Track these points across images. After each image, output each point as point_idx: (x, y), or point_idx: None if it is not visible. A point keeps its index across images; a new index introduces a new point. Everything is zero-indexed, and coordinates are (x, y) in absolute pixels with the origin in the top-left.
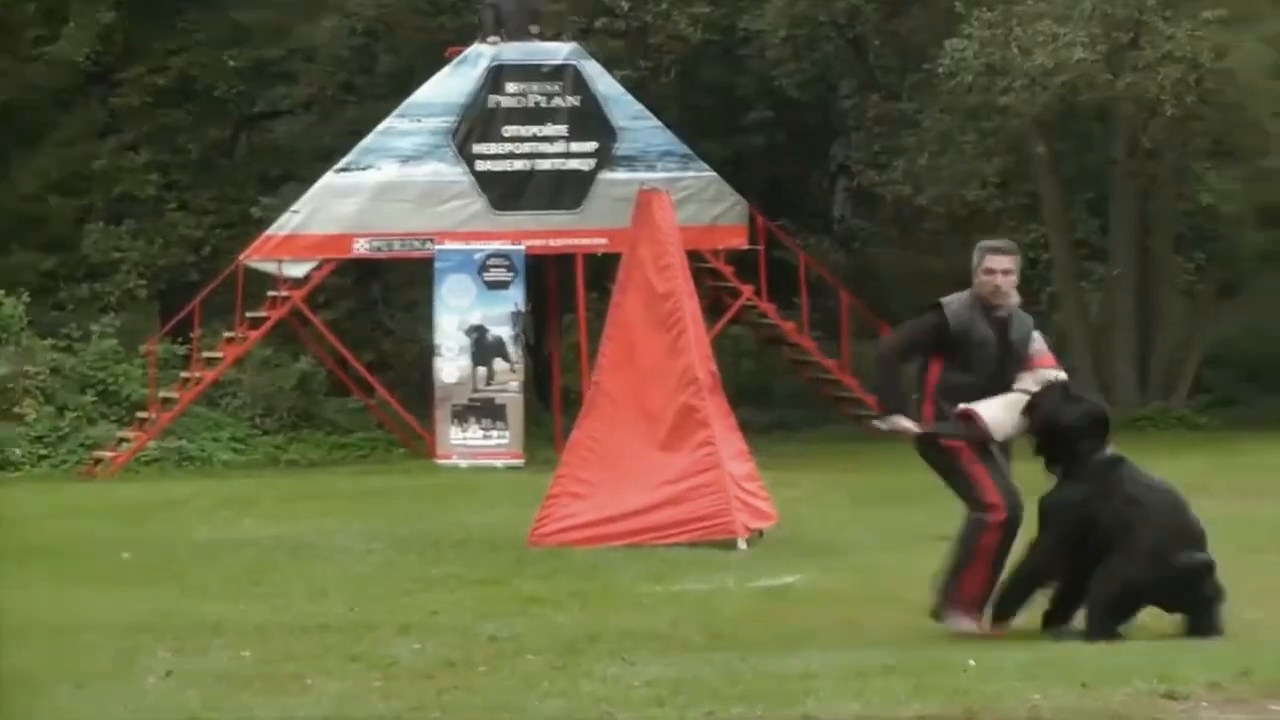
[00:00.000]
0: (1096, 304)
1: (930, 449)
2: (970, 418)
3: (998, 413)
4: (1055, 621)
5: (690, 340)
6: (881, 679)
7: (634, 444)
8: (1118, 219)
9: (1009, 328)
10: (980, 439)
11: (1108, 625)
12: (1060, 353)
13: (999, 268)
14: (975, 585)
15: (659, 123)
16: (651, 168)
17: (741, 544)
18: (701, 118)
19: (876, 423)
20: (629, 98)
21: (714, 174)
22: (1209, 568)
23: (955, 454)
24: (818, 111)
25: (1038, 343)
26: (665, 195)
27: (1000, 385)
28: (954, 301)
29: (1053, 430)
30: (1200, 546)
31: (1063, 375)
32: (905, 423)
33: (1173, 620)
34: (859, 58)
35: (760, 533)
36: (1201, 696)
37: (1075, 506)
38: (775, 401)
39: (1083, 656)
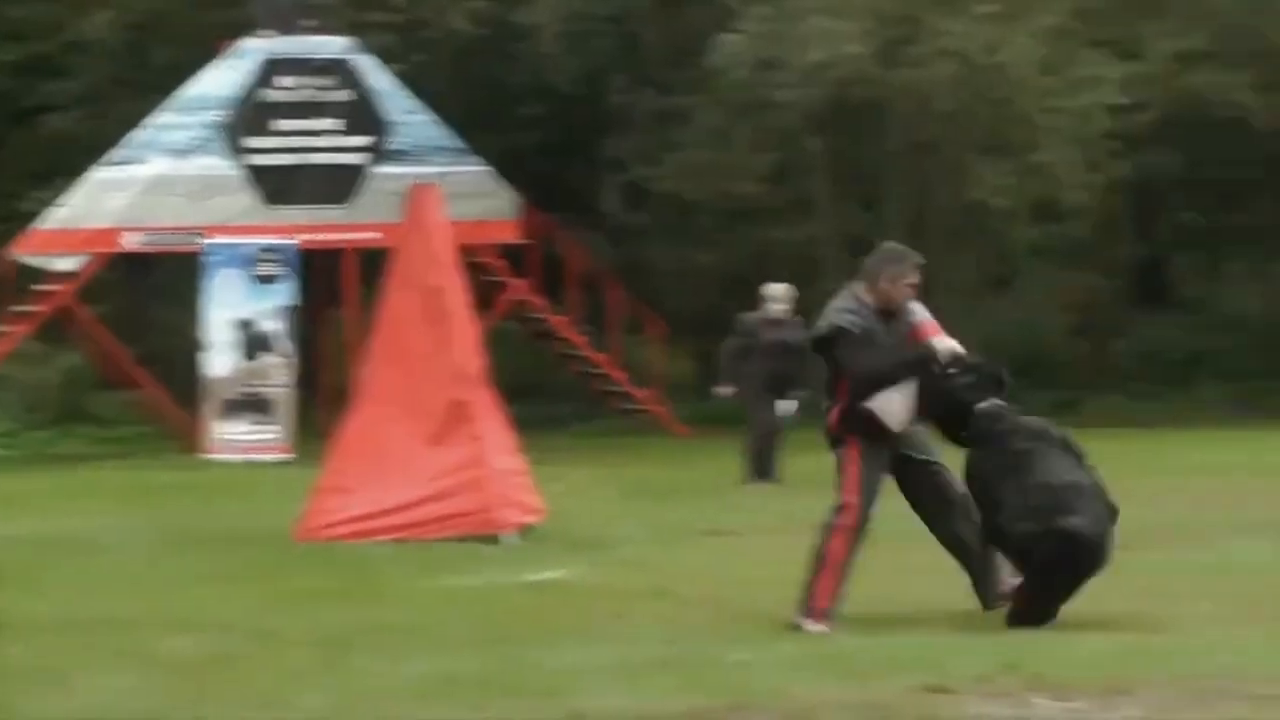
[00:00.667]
0: None
1: (834, 445)
2: (870, 417)
3: (893, 405)
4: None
5: (460, 335)
6: (650, 673)
7: (402, 438)
8: (890, 214)
9: (895, 324)
10: (880, 432)
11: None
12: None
13: (916, 282)
14: (826, 596)
15: (432, 117)
16: (424, 162)
17: (510, 538)
18: (476, 112)
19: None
20: (402, 92)
21: (487, 168)
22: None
23: (848, 452)
24: (590, 106)
25: (919, 313)
26: (436, 190)
27: None
28: (849, 316)
29: (943, 407)
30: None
31: (950, 342)
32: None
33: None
34: (633, 52)
35: (529, 527)
36: (968, 690)
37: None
38: (546, 396)
39: (852, 650)
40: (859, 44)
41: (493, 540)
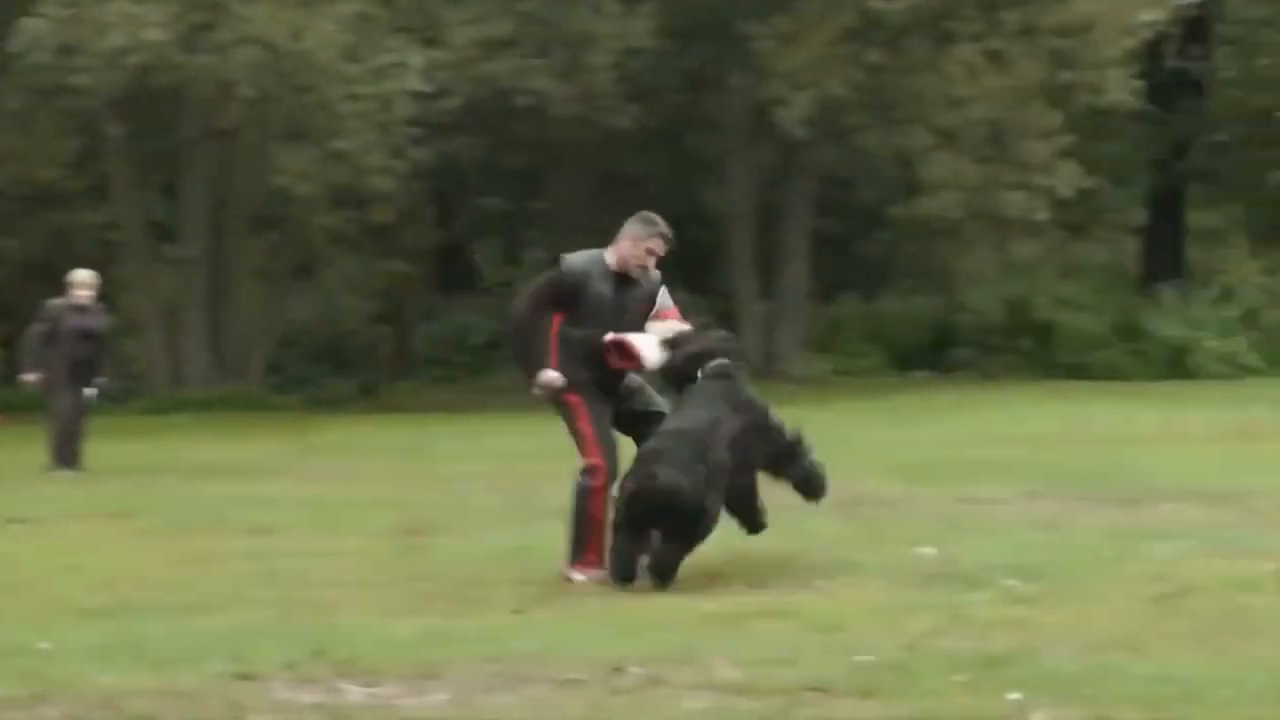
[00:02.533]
0: (170, 285)
1: (560, 405)
2: (623, 345)
3: (649, 346)
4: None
5: None
6: None
7: None
8: (190, 201)
9: (629, 290)
10: (635, 365)
11: None
12: (132, 334)
13: (659, 251)
14: (597, 550)
15: None
16: None
17: None
18: None
19: (535, 391)
20: None
21: None
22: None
23: (575, 412)
24: None
25: (664, 298)
26: None
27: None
28: (578, 259)
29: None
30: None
31: (686, 327)
32: (551, 374)
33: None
34: None
35: None
36: (276, 676)
37: None
38: None
39: (158, 638)
40: (160, 30)
41: None
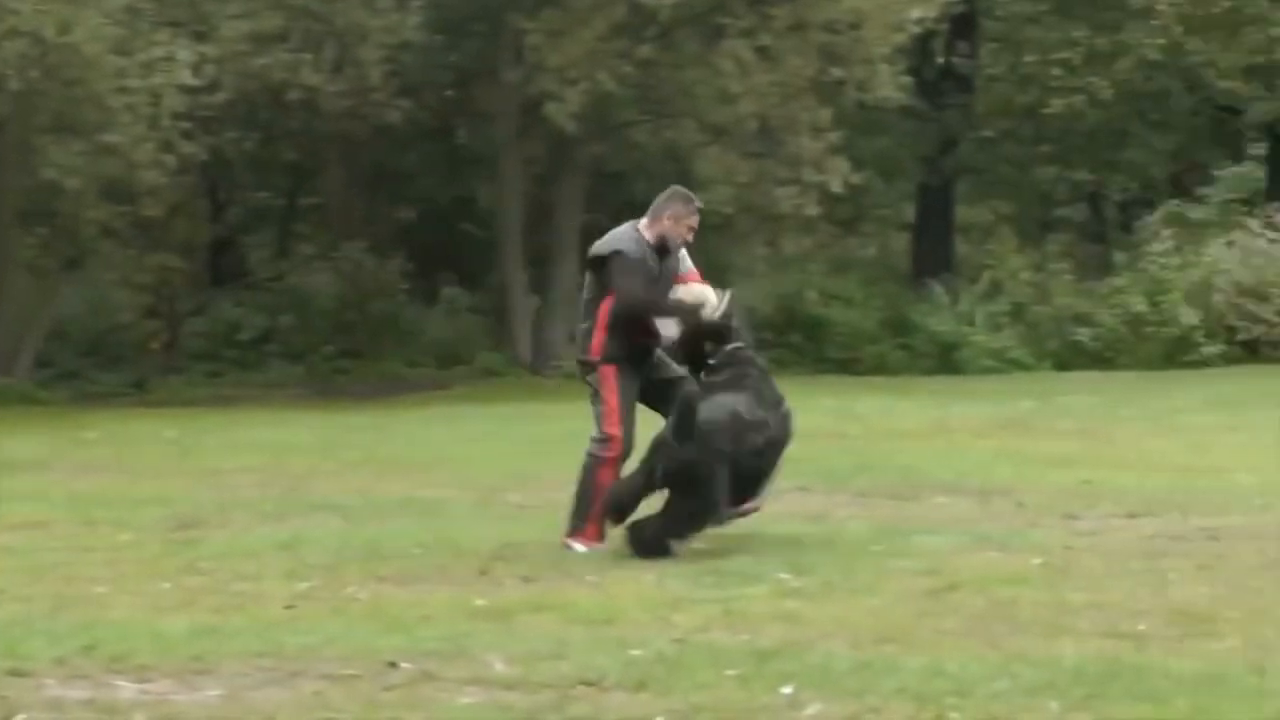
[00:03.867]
0: None
1: (585, 372)
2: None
3: (669, 328)
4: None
5: None
6: None
7: None
8: None
9: (667, 262)
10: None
11: None
12: None
13: (695, 226)
14: (598, 523)
15: None
16: None
17: None
18: None
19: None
20: None
21: None
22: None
23: (606, 382)
24: None
25: (687, 261)
26: None
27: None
28: (625, 243)
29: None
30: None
31: (708, 290)
32: (698, 289)
33: None
34: None
35: None
36: (46, 672)
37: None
38: None
39: None
40: None
41: None
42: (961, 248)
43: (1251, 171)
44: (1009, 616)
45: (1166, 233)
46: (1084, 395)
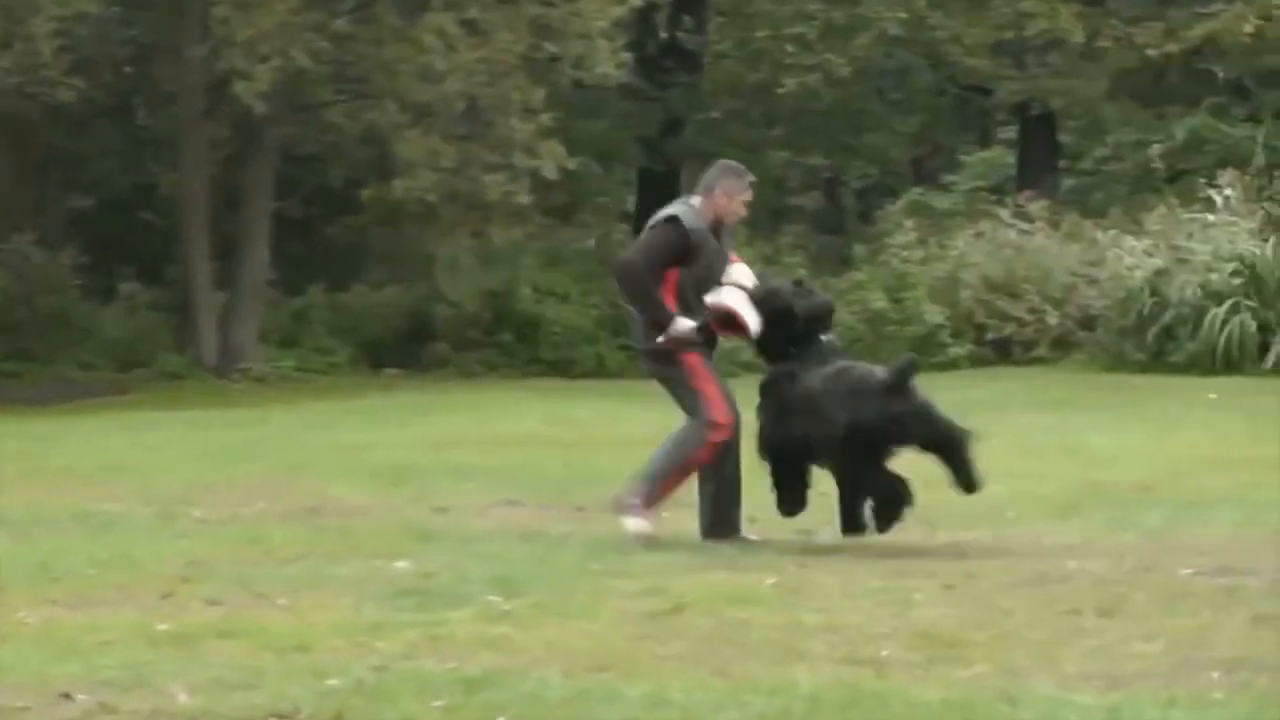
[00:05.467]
0: None
1: (663, 364)
2: (729, 314)
3: (746, 308)
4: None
5: None
6: None
7: None
8: None
9: (721, 240)
10: (743, 337)
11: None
12: None
13: (750, 199)
14: (668, 492)
15: None
16: None
17: None
18: None
19: (661, 339)
20: None
21: None
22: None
23: (690, 370)
24: None
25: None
26: None
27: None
28: (687, 215)
29: (787, 321)
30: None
31: (748, 270)
32: (685, 323)
33: None
34: None
35: None
36: None
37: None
38: None
39: None
40: None
41: None
42: None
43: (1000, 156)
44: (739, 640)
45: (909, 223)
46: None
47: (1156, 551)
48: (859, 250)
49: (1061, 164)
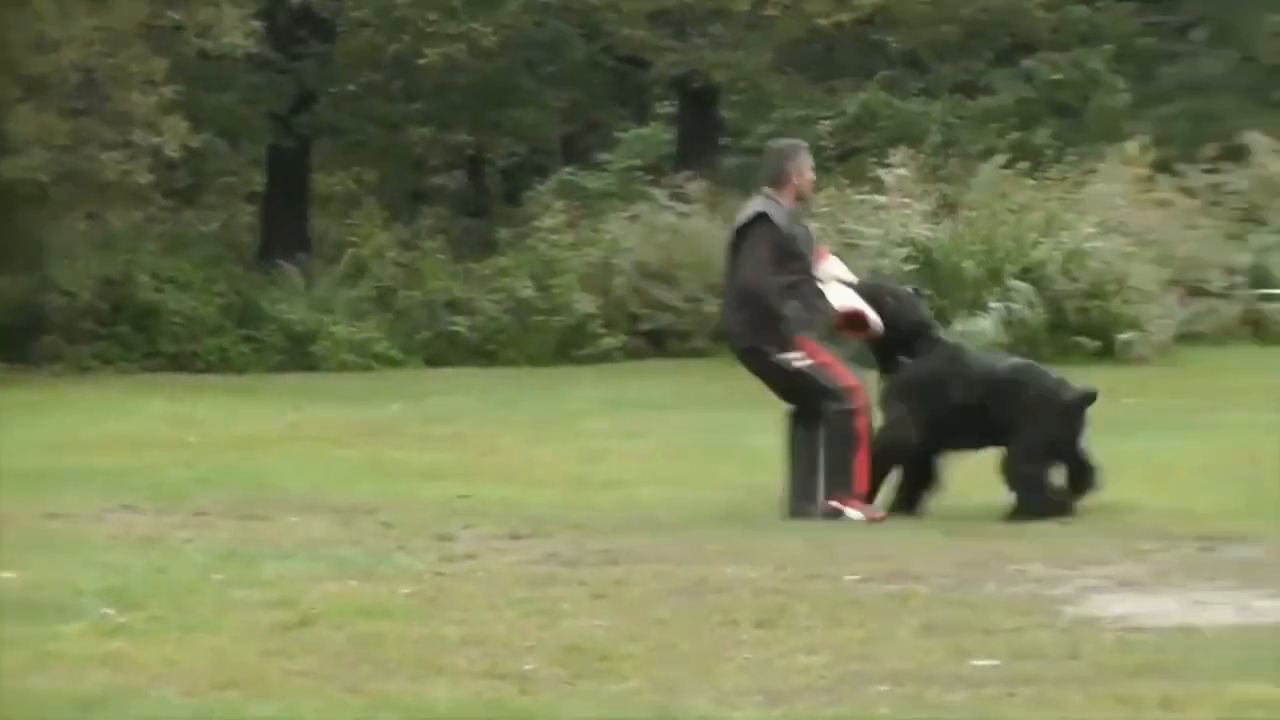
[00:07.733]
0: None
1: (768, 358)
2: (857, 315)
3: (866, 307)
4: (909, 507)
5: None
6: None
7: None
8: None
9: (800, 220)
10: (868, 337)
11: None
12: None
13: (811, 166)
14: (864, 473)
15: None
16: None
17: None
18: None
19: (786, 356)
20: None
21: None
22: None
23: (806, 351)
24: None
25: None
26: None
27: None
28: (775, 211)
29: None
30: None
31: (841, 264)
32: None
33: None
34: None
35: None
36: None
37: (934, 383)
38: None
39: None
40: None
41: None
42: (319, 222)
43: (658, 134)
44: (373, 655)
45: (559, 205)
46: (461, 396)
47: (822, 558)
48: (504, 234)
49: (724, 142)
